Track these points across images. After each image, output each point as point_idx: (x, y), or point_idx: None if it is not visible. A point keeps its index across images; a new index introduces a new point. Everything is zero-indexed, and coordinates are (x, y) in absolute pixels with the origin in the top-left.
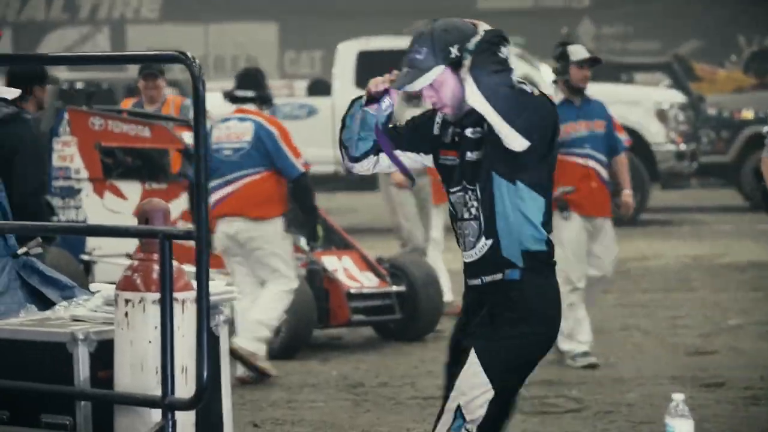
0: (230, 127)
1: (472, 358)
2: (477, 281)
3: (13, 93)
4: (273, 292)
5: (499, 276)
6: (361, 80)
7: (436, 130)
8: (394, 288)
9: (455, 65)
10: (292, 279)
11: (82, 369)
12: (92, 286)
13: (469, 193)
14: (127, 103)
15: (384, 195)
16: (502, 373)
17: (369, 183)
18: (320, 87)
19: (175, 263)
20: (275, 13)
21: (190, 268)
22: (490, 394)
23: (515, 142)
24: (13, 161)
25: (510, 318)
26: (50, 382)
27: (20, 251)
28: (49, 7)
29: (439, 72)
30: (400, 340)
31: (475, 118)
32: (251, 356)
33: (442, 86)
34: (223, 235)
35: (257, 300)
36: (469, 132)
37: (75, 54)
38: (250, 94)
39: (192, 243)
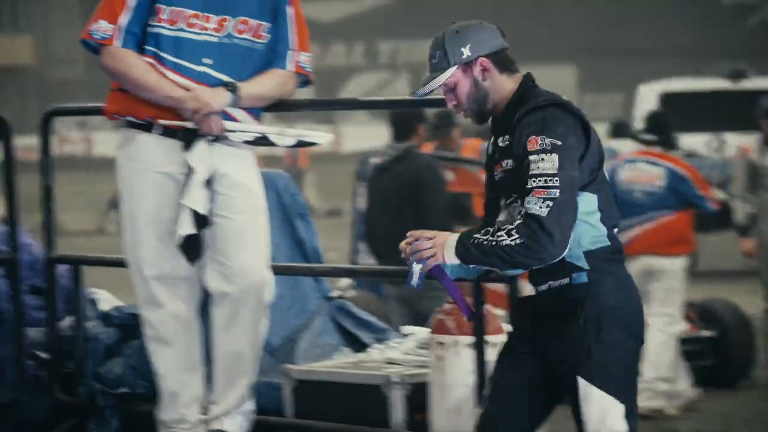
0: (640, 169)
1: (585, 388)
2: (543, 287)
3: (325, 137)
4: (661, 339)
5: (566, 281)
6: None
7: (490, 150)
8: (705, 333)
9: (468, 65)
10: (679, 321)
11: (398, 412)
12: (404, 329)
13: (519, 202)
14: (427, 148)
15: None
16: (618, 383)
17: None
18: (622, 129)
19: (487, 307)
20: (573, 56)
21: (500, 312)
22: (621, 408)
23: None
24: (416, 195)
25: (592, 325)
26: (366, 424)
27: (333, 294)
28: (350, 54)
29: (451, 73)
30: (712, 385)
31: (503, 126)
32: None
33: (457, 87)
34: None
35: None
36: (501, 141)
37: (394, 99)
38: (657, 137)
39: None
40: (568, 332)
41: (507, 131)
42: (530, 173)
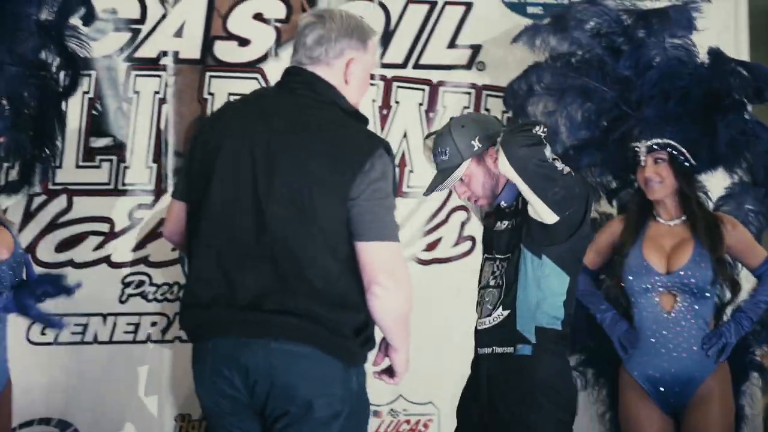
0: None
1: None
2: (488, 350)
3: None
4: None
5: (510, 349)
6: None
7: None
8: None
9: (480, 157)
10: None
11: None
12: None
13: (497, 262)
14: None
15: None
16: None
17: None
18: None
19: None
20: None
21: None
22: None
23: (545, 214)
24: None
25: (530, 396)
26: None
27: None
28: None
29: (466, 167)
30: None
31: (509, 190)
32: None
33: (471, 180)
34: None
35: None
36: (503, 203)
37: None
38: None
39: None
40: (511, 399)
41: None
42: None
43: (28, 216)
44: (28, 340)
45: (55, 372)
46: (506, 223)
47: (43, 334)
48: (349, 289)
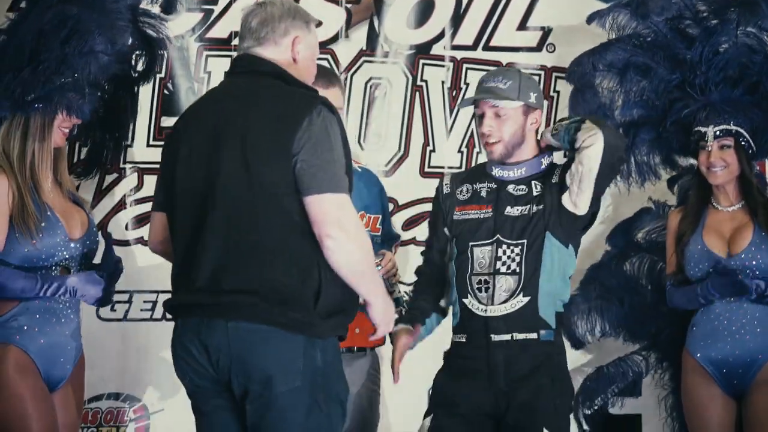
0: None
1: None
2: (506, 337)
3: None
4: None
5: (533, 335)
6: None
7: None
8: None
9: (528, 109)
10: None
11: None
12: None
13: (508, 247)
14: None
15: None
16: None
17: None
18: None
19: None
20: None
21: None
22: None
23: (584, 204)
24: None
25: (558, 382)
26: None
27: None
28: None
29: (516, 106)
30: None
31: (518, 175)
32: None
33: (509, 120)
34: None
35: None
36: (511, 188)
37: None
38: None
39: None
40: (538, 386)
41: (525, 182)
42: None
43: (100, 194)
44: (98, 316)
45: (124, 348)
46: (519, 209)
47: (113, 310)
48: (303, 251)
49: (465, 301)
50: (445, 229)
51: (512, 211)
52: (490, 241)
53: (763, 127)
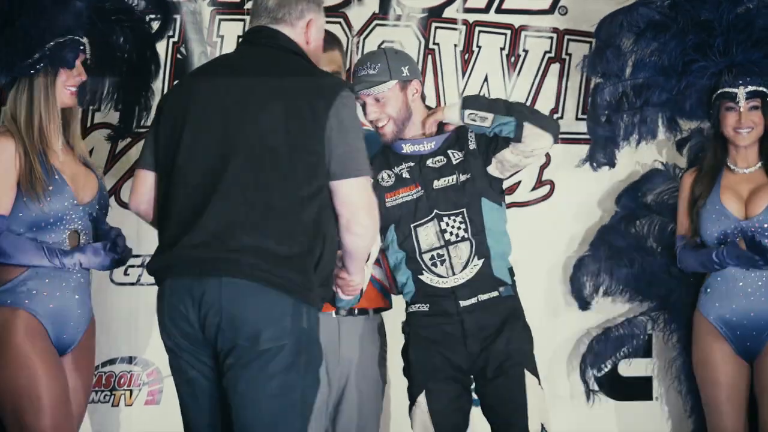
0: None
1: (529, 380)
2: (472, 300)
3: None
4: None
5: (495, 293)
6: None
7: (406, 175)
8: None
9: (405, 84)
10: None
11: None
12: None
13: (449, 218)
14: None
15: None
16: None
17: None
18: None
19: None
20: None
21: None
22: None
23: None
24: None
25: (526, 329)
26: None
27: None
28: None
29: (390, 86)
30: None
31: (431, 148)
32: None
33: (388, 102)
34: None
35: None
36: (430, 162)
37: None
38: None
39: None
40: (512, 335)
41: (442, 153)
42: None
43: (114, 158)
44: (112, 280)
45: (138, 312)
46: (446, 179)
47: (126, 274)
48: (314, 221)
49: (421, 277)
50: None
51: (439, 183)
52: (430, 217)
53: None
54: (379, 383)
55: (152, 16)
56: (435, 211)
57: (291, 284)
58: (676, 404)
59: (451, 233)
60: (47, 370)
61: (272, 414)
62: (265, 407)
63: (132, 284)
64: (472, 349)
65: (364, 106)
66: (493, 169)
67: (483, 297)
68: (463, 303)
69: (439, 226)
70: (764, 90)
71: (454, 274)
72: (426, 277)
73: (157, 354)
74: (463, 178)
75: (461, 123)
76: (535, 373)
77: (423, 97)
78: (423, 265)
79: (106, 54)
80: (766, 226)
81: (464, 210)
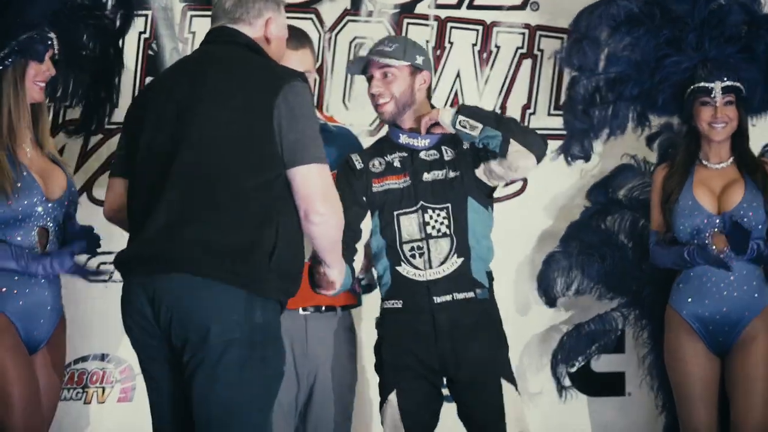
0: None
1: (506, 387)
2: (447, 297)
3: None
4: None
5: (471, 294)
6: None
7: (358, 166)
8: None
9: (415, 71)
10: None
11: None
12: None
13: (434, 212)
14: None
15: None
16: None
17: None
18: None
19: None
20: None
21: None
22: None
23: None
24: None
25: (501, 335)
26: None
27: None
28: None
29: (401, 66)
30: None
31: (428, 143)
32: None
33: (395, 80)
34: None
35: None
36: (423, 154)
37: None
38: None
39: None
40: (486, 340)
41: (435, 147)
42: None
43: (86, 155)
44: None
45: (110, 309)
46: (435, 173)
47: (98, 271)
48: (264, 210)
49: (398, 269)
50: (364, 198)
51: (429, 176)
52: (415, 208)
53: (753, 86)
54: (349, 380)
55: (116, 12)
56: (421, 202)
57: (239, 277)
58: (648, 399)
59: (433, 227)
60: (17, 368)
61: (227, 409)
62: (220, 402)
63: (104, 281)
64: (443, 348)
65: (370, 79)
66: (480, 173)
67: (458, 296)
68: (437, 299)
69: (423, 218)
70: (739, 85)
71: (431, 267)
72: (403, 269)
73: (130, 351)
74: (452, 174)
75: (452, 129)
76: (511, 380)
77: (430, 93)
78: (402, 256)
79: (72, 50)
80: (738, 221)
81: (449, 205)
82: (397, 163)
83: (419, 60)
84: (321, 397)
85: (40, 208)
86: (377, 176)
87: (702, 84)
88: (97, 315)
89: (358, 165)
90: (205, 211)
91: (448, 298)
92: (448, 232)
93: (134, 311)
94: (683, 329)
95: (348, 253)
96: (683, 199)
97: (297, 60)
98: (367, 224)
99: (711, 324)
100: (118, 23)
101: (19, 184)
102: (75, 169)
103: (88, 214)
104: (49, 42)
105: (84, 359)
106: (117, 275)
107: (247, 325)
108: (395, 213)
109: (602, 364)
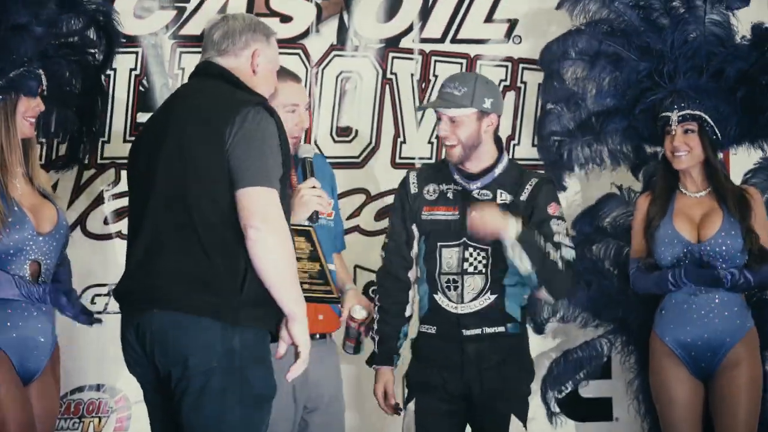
0: None
1: (515, 424)
2: (477, 331)
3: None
4: None
5: (501, 329)
6: None
7: (413, 190)
8: None
9: (482, 114)
10: None
11: None
12: None
13: (474, 250)
14: None
15: None
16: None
17: None
18: None
19: None
20: None
21: None
22: None
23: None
24: None
25: (526, 372)
26: None
27: None
28: None
29: (469, 113)
30: None
31: (482, 181)
32: None
33: (462, 125)
34: None
35: None
36: (475, 193)
37: None
38: None
39: None
40: (509, 375)
41: (489, 187)
42: (554, 232)
43: (79, 189)
44: None
45: (106, 339)
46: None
47: (93, 303)
48: (230, 240)
49: (436, 297)
50: (414, 227)
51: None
52: (458, 242)
53: (727, 115)
54: (343, 404)
55: (100, 48)
56: (464, 238)
57: (212, 309)
58: (635, 423)
59: (470, 264)
60: (12, 398)
61: None
62: (208, 428)
63: (98, 312)
64: (468, 377)
65: (439, 119)
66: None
67: (488, 330)
68: (465, 332)
69: (463, 254)
70: (700, 114)
71: (462, 302)
72: (439, 298)
73: (125, 381)
74: None
75: (508, 246)
76: (521, 416)
77: (496, 131)
78: (438, 286)
79: (55, 86)
80: (717, 249)
81: (490, 248)
82: (450, 195)
83: (487, 104)
84: (321, 420)
85: (31, 242)
86: (429, 204)
87: (663, 114)
88: (92, 346)
89: (413, 189)
90: (175, 246)
91: (478, 331)
92: (484, 270)
93: (127, 344)
94: (666, 355)
95: (390, 302)
96: (663, 227)
97: (295, 94)
98: (414, 252)
99: (693, 350)
100: (100, 59)
101: (10, 219)
102: (68, 203)
103: (82, 248)
104: (39, 78)
105: (80, 389)
106: (112, 306)
107: (226, 353)
108: (438, 244)
109: (589, 389)
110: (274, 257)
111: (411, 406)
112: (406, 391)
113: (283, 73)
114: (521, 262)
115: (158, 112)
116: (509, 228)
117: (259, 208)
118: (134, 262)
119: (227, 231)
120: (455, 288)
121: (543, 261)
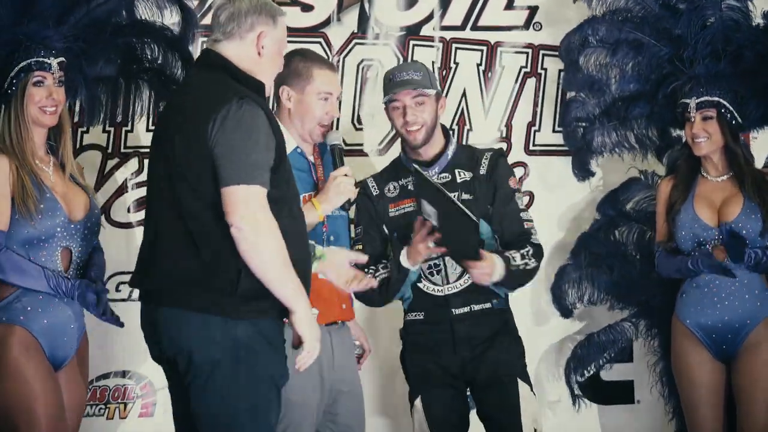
0: None
1: (522, 389)
2: (465, 309)
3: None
4: None
5: (488, 305)
6: None
7: (375, 192)
8: None
9: (437, 97)
10: None
11: None
12: None
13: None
14: None
15: None
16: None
17: None
18: None
19: None
20: None
21: None
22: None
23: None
24: None
25: (519, 340)
26: None
27: None
28: None
29: (432, 93)
30: None
31: (439, 165)
32: None
33: (426, 107)
34: None
35: None
36: (435, 178)
37: None
38: None
39: None
40: (506, 345)
41: (449, 171)
42: (520, 209)
43: (102, 179)
44: None
45: (130, 327)
46: (455, 196)
47: (117, 290)
48: (221, 237)
49: (420, 285)
50: (384, 227)
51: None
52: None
53: (747, 98)
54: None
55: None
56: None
57: (208, 303)
58: (658, 406)
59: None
60: (42, 385)
61: (221, 425)
62: (213, 419)
63: (123, 300)
64: (462, 355)
65: (401, 108)
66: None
67: (476, 307)
68: (455, 311)
69: None
70: (718, 100)
71: (448, 282)
72: (423, 285)
73: (150, 368)
74: (465, 197)
75: (498, 281)
76: (526, 380)
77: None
78: (421, 274)
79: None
80: (735, 230)
81: None
82: (410, 186)
83: (438, 88)
84: (349, 402)
85: (63, 229)
86: (393, 201)
87: (682, 101)
88: (117, 333)
89: (374, 191)
90: (173, 242)
91: (466, 309)
92: None
93: (146, 335)
94: (688, 338)
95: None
96: (684, 211)
97: (333, 83)
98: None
99: (714, 332)
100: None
101: (42, 205)
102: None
103: (107, 236)
104: (47, 67)
105: (105, 376)
106: (135, 294)
107: (229, 345)
108: (412, 236)
109: (611, 373)
110: (258, 254)
111: (418, 402)
112: (408, 388)
113: (321, 61)
114: (499, 288)
115: (166, 105)
116: (497, 270)
117: (237, 207)
118: (140, 257)
119: (219, 228)
120: (438, 272)
121: (523, 277)
